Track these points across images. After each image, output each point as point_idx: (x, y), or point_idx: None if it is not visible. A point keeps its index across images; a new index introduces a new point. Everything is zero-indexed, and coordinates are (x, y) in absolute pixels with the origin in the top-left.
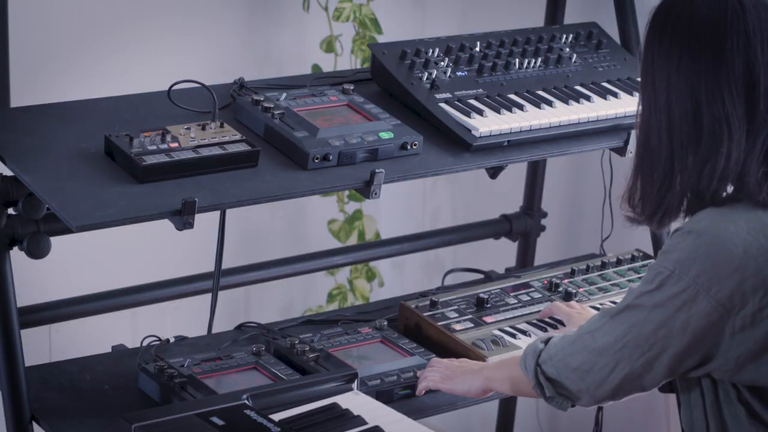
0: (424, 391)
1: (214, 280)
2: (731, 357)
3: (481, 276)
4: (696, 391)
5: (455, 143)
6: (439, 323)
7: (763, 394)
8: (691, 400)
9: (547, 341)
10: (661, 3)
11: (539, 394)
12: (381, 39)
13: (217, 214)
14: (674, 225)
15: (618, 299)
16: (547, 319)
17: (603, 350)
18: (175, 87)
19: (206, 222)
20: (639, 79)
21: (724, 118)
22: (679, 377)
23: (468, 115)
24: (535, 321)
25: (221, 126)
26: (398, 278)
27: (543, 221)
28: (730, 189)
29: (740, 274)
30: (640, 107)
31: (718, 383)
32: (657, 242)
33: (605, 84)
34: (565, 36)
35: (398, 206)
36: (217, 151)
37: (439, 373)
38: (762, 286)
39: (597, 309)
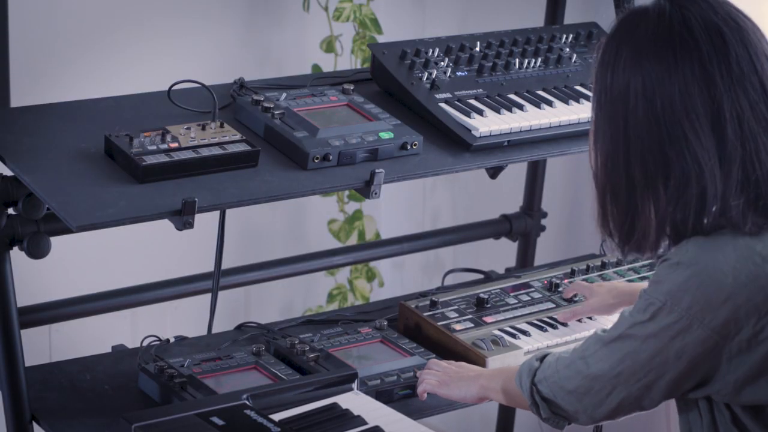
0: (425, 395)
1: (214, 280)
2: (729, 380)
3: (481, 276)
4: (694, 412)
5: (455, 143)
6: (439, 323)
7: (758, 414)
8: (690, 420)
9: (542, 358)
10: (611, 30)
11: (535, 412)
12: (381, 39)
13: (217, 214)
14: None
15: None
16: (546, 319)
17: (598, 376)
18: (175, 87)
19: (206, 222)
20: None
21: (690, 154)
22: (678, 398)
23: (468, 115)
24: (535, 321)
25: (221, 126)
26: (398, 278)
27: (543, 221)
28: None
29: (732, 303)
30: (595, 134)
31: (713, 405)
32: None
33: None
34: (565, 36)
35: (398, 206)
36: (217, 151)
37: (437, 378)
38: (755, 312)
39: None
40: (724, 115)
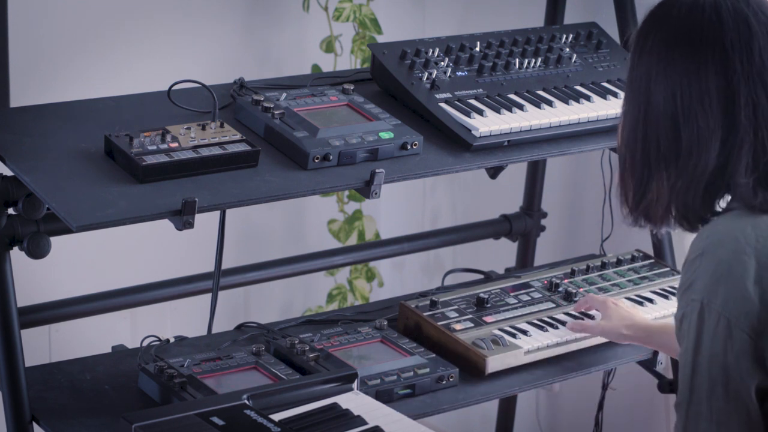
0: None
1: (214, 280)
2: None
3: (481, 276)
4: None
5: (455, 143)
6: (439, 323)
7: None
8: None
9: None
10: (647, 13)
11: None
12: (381, 39)
13: (217, 214)
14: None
15: (617, 299)
16: (546, 318)
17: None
18: (175, 87)
19: (206, 222)
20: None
21: (699, 134)
22: None
23: (468, 115)
24: (535, 321)
25: (221, 126)
26: (398, 278)
27: (543, 221)
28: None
29: (760, 287)
30: (622, 112)
31: None
32: (657, 243)
33: (605, 84)
34: (565, 36)
35: (398, 206)
36: (217, 151)
37: (596, 332)
38: None
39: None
40: (739, 101)
